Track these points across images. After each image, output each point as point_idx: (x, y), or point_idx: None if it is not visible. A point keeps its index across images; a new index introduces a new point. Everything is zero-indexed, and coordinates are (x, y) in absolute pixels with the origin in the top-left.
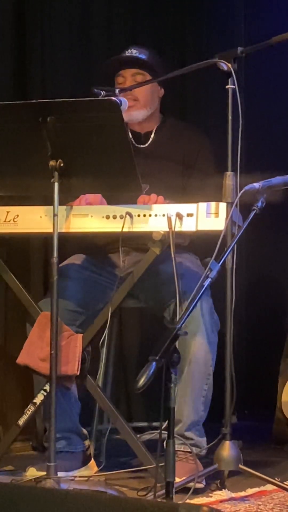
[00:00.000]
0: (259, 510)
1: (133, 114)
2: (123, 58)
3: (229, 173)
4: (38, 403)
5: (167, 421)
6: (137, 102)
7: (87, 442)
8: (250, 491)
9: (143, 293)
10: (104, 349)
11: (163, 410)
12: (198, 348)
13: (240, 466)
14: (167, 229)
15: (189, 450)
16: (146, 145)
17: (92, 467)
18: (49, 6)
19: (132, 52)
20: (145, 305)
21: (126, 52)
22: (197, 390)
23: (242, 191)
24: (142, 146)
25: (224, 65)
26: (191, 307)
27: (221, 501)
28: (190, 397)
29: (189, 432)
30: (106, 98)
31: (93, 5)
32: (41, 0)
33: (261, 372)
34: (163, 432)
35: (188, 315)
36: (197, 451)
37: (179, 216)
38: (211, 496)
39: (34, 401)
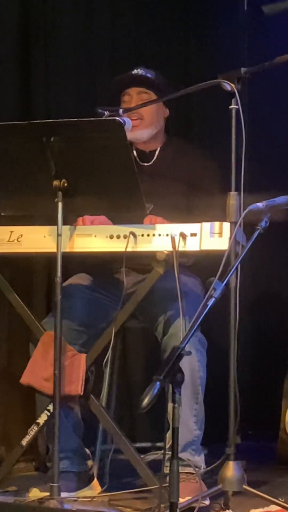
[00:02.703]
0: None
1: (137, 133)
2: (129, 76)
3: (232, 193)
4: (41, 423)
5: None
6: (142, 121)
7: (90, 462)
8: (254, 511)
9: (140, 312)
10: (108, 369)
11: (166, 430)
12: (184, 368)
13: (244, 486)
14: (171, 249)
15: (192, 471)
16: (151, 163)
17: (95, 488)
18: (53, 26)
19: (139, 71)
20: (143, 325)
21: (133, 71)
22: (187, 410)
23: (246, 211)
24: (146, 164)
25: (228, 86)
26: (195, 327)
27: None
28: (181, 418)
29: (183, 453)
30: (110, 118)
31: (97, 25)
32: (45, 20)
33: (265, 392)
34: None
35: (192, 335)
36: (195, 470)
37: (183, 236)
38: None
39: (38, 421)
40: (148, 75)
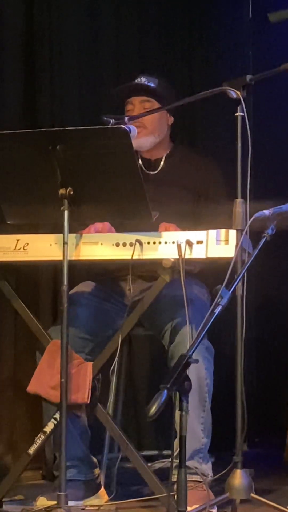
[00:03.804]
0: None
1: (140, 141)
2: (132, 85)
3: (238, 200)
4: (48, 432)
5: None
6: (144, 129)
7: (97, 471)
8: None
9: (146, 320)
10: (114, 377)
11: (173, 438)
12: (191, 375)
13: (252, 494)
14: (177, 257)
15: (199, 479)
16: (156, 171)
17: (102, 496)
18: (58, 34)
19: (141, 80)
20: (149, 333)
21: (136, 80)
22: (194, 418)
23: (252, 218)
24: (152, 172)
25: (233, 93)
26: (202, 335)
27: None
28: (188, 426)
29: (191, 461)
30: (115, 126)
31: (101, 34)
32: (49, 28)
33: (272, 400)
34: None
35: (199, 343)
36: (203, 478)
37: (189, 243)
38: None
39: (44, 429)
40: (151, 83)
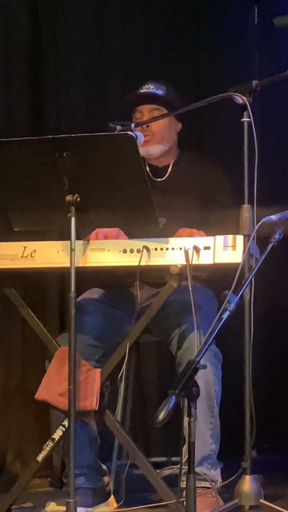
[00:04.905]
0: None
1: (149, 149)
2: (140, 94)
3: (245, 206)
4: (57, 439)
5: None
6: (153, 137)
7: (106, 478)
8: None
9: (154, 326)
10: (122, 384)
11: (182, 444)
12: (199, 381)
13: (261, 500)
14: (185, 263)
15: (208, 485)
16: (163, 178)
17: (111, 503)
18: (64, 40)
19: (149, 87)
20: (157, 339)
21: (143, 87)
22: (202, 424)
23: (259, 224)
24: (159, 179)
25: (239, 99)
26: (210, 341)
27: None
28: (196, 432)
29: (199, 467)
30: (122, 132)
31: (107, 39)
32: (55, 35)
33: (281, 405)
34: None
35: (207, 348)
36: (211, 485)
37: (196, 249)
38: None
39: (53, 436)
40: (159, 91)
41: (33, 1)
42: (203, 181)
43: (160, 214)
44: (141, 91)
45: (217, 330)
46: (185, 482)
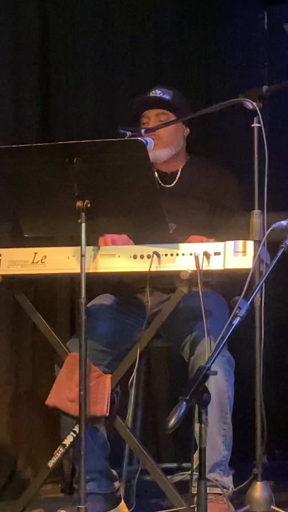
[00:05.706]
0: None
1: (156, 153)
2: (147, 99)
3: (256, 211)
4: (67, 445)
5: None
6: (159, 142)
7: (117, 484)
8: None
9: (165, 332)
10: (133, 390)
11: (193, 450)
12: (211, 388)
13: (272, 507)
14: (195, 268)
15: (219, 492)
16: (172, 184)
17: (122, 509)
18: (73, 47)
19: (156, 92)
20: (167, 345)
21: (150, 92)
22: (215, 431)
23: (269, 229)
24: (168, 185)
25: (250, 104)
26: (220, 347)
27: None
28: (208, 438)
29: (212, 473)
30: (132, 138)
31: (116, 45)
32: (65, 41)
33: None
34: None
35: (218, 354)
36: (223, 491)
37: (207, 255)
38: None
39: (64, 442)
40: (166, 96)
41: (43, 9)
42: (212, 186)
43: (170, 219)
44: (148, 96)
45: (227, 336)
46: (196, 488)
